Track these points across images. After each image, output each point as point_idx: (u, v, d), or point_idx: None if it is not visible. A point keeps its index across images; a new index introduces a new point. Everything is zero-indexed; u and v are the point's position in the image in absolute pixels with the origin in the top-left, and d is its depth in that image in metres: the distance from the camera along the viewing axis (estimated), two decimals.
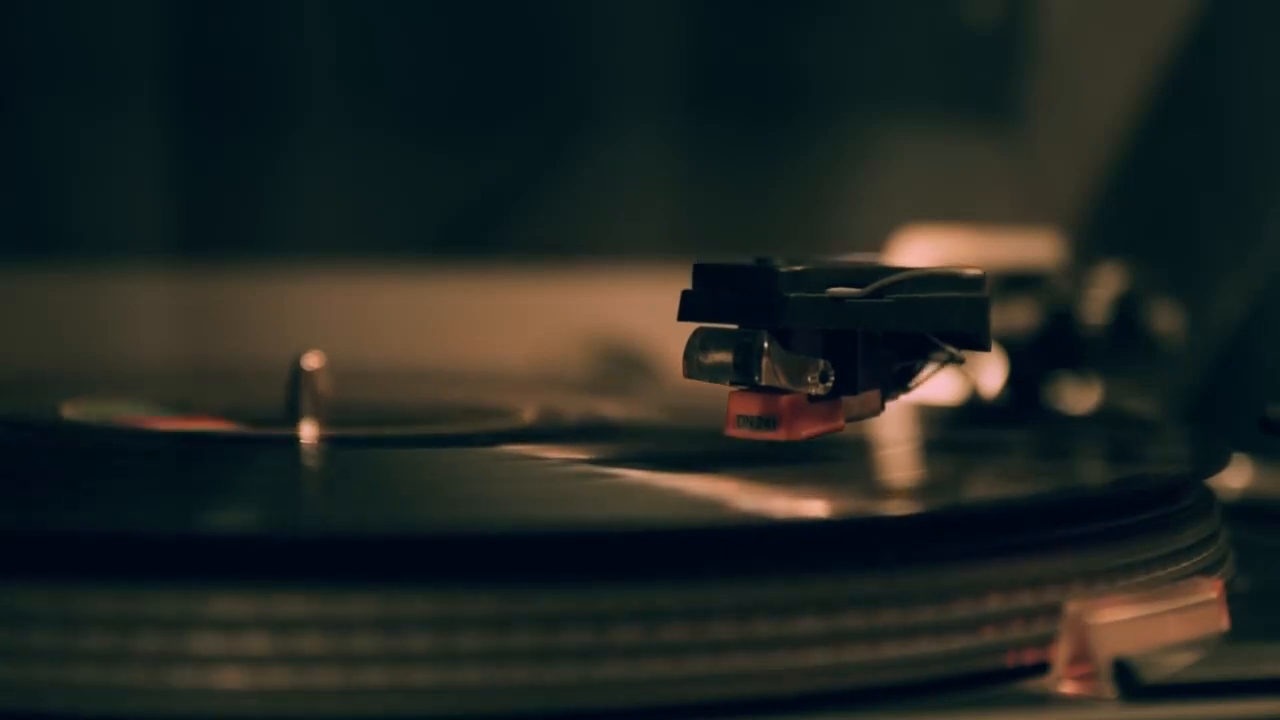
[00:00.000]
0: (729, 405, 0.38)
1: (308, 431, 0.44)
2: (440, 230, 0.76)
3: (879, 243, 0.67)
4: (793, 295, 0.37)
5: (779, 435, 0.37)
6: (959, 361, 0.40)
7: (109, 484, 0.39)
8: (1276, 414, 0.41)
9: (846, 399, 0.39)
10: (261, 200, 0.73)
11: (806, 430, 0.38)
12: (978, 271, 0.39)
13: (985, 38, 0.78)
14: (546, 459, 0.41)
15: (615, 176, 0.76)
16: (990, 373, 0.57)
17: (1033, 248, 0.62)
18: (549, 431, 0.46)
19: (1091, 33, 0.77)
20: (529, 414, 0.49)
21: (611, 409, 0.51)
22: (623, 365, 0.71)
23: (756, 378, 0.37)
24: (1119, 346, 0.59)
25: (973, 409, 0.55)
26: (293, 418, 0.45)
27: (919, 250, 0.63)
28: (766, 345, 0.37)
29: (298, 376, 0.45)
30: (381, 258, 0.74)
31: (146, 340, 0.71)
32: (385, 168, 0.74)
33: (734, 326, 0.37)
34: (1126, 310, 0.59)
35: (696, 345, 0.38)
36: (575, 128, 0.76)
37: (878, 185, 0.77)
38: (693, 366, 0.38)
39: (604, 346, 0.72)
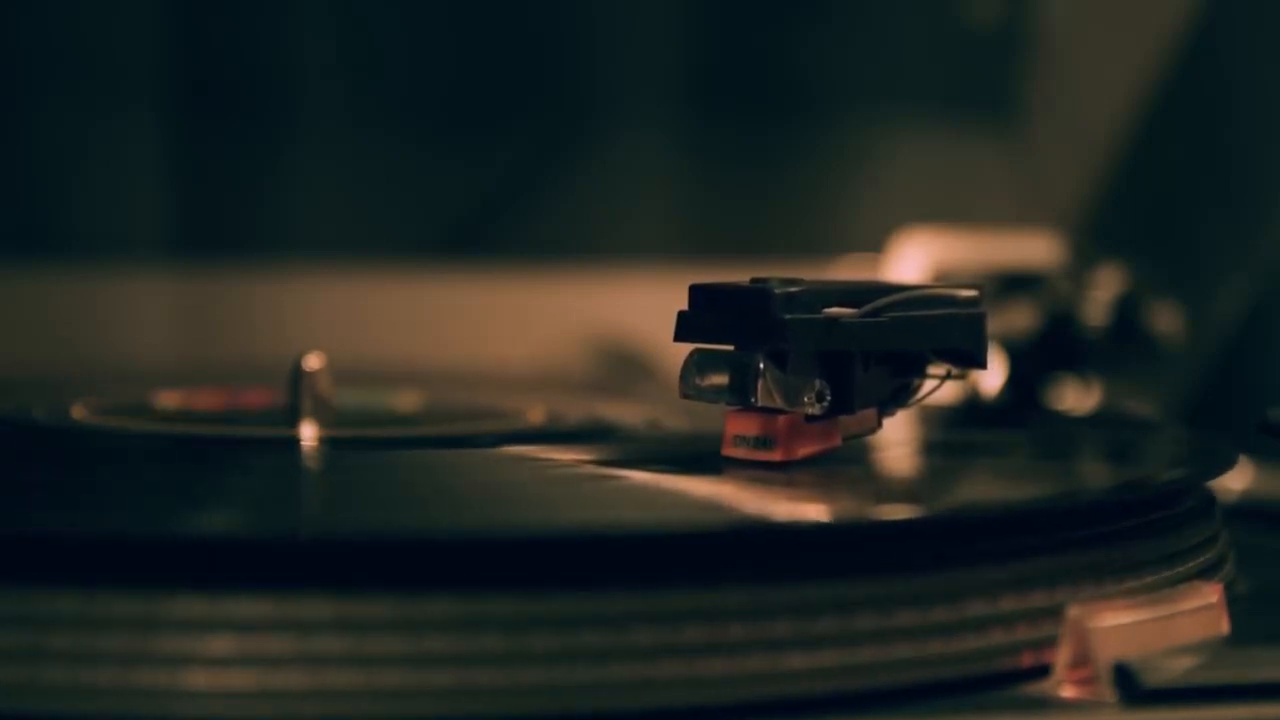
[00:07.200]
0: (726, 426, 0.38)
1: (308, 433, 0.44)
2: (441, 230, 0.76)
3: (879, 243, 0.67)
4: (788, 317, 0.37)
5: (776, 456, 0.38)
6: (957, 379, 0.40)
7: (108, 485, 0.39)
8: (1276, 416, 0.41)
9: (843, 418, 0.39)
10: (261, 200, 0.73)
11: (804, 450, 0.38)
12: (973, 290, 0.39)
13: (986, 38, 0.78)
14: (548, 460, 0.41)
15: (615, 176, 0.76)
16: (990, 374, 0.57)
17: (1033, 248, 0.62)
18: (550, 433, 0.46)
19: (1092, 33, 0.77)
20: (530, 415, 0.49)
21: (612, 410, 0.51)
22: (623, 365, 0.71)
23: (753, 399, 0.37)
24: (1119, 347, 0.59)
25: (973, 410, 0.55)
26: (293, 418, 0.45)
27: (919, 251, 0.63)
28: (762, 367, 0.37)
29: (298, 377, 0.45)
30: (382, 258, 0.74)
31: (146, 340, 0.71)
32: (385, 168, 0.74)
33: (730, 348, 0.38)
34: (1126, 311, 0.59)
35: (693, 367, 0.38)
36: (575, 128, 0.76)
37: (878, 185, 0.77)
38: (689, 388, 0.38)
39: (604, 346, 0.72)
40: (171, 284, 0.72)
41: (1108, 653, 0.32)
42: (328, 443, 0.44)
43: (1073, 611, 0.33)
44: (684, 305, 0.38)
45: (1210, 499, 0.41)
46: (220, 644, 0.29)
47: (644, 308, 0.69)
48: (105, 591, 0.30)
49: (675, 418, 0.49)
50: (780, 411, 0.38)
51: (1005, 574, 0.33)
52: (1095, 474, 0.44)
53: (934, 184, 0.78)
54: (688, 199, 0.77)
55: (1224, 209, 0.70)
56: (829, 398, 0.38)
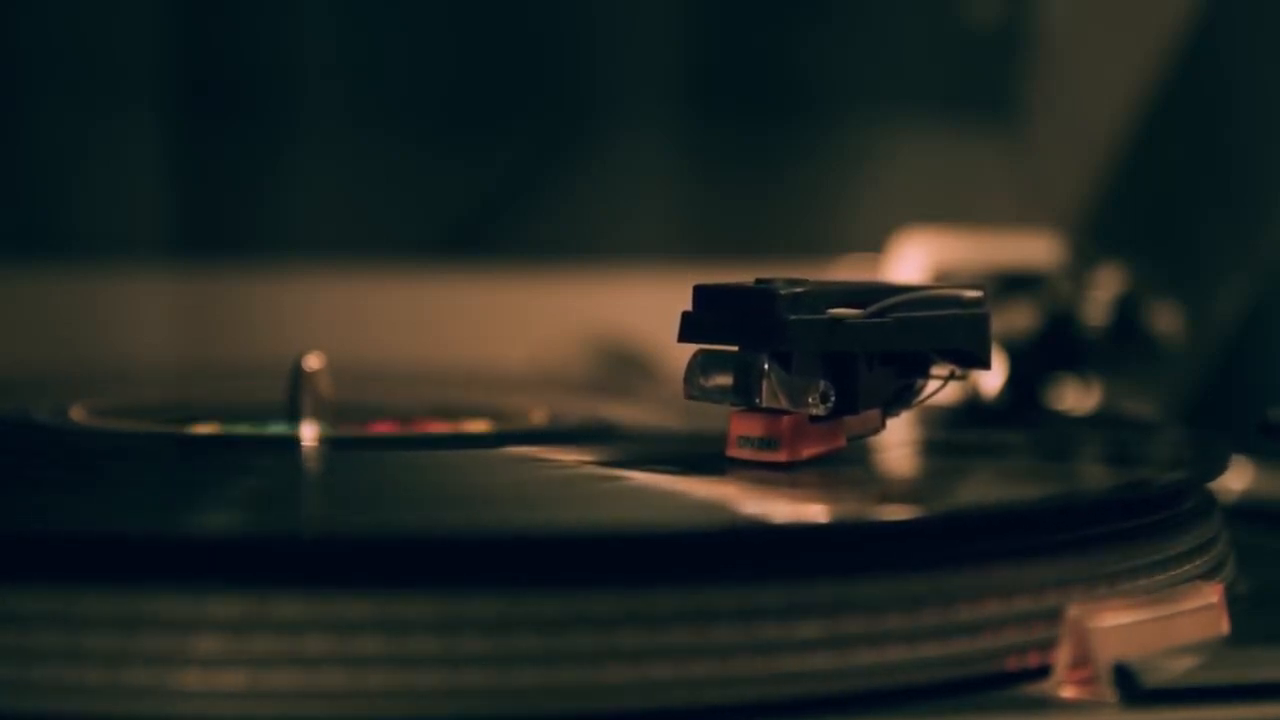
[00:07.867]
0: (730, 427, 0.38)
1: (308, 433, 0.44)
2: (441, 230, 0.76)
3: (879, 243, 0.67)
4: (793, 318, 0.37)
5: (780, 456, 0.38)
6: (960, 379, 0.40)
7: (107, 485, 0.39)
8: (1276, 416, 0.41)
9: (847, 418, 0.39)
10: (261, 200, 0.73)
11: (808, 451, 0.38)
12: (977, 291, 0.39)
13: (986, 37, 0.78)
14: (548, 461, 0.41)
15: (615, 176, 0.76)
16: (991, 374, 0.57)
17: (1033, 248, 0.62)
18: (550, 433, 0.46)
19: (1092, 33, 0.77)
20: (529, 416, 0.49)
21: (612, 410, 0.51)
22: (623, 365, 0.71)
23: (757, 400, 0.37)
24: (1119, 347, 0.59)
25: (973, 410, 0.55)
26: (293, 419, 0.45)
27: (919, 251, 0.63)
28: (767, 367, 0.37)
29: (298, 377, 0.45)
30: (382, 258, 0.74)
31: (146, 340, 0.71)
32: (385, 168, 0.74)
33: (734, 348, 0.38)
34: (1126, 311, 0.59)
35: (697, 367, 0.38)
36: (575, 128, 0.76)
37: (878, 186, 0.77)
38: (693, 388, 0.38)
39: (604, 346, 0.72)
40: (171, 284, 0.72)
41: (1108, 653, 0.32)
42: (327, 443, 0.44)
43: (1073, 612, 0.33)
44: (684, 305, 0.38)
45: (1210, 499, 0.41)
46: (216, 644, 0.29)
47: (644, 308, 0.69)
48: (97, 591, 0.30)
49: (677, 418, 0.49)
50: (785, 412, 0.38)
51: (1005, 574, 0.33)
52: (1095, 474, 0.44)
53: (934, 184, 0.78)
54: (688, 199, 0.77)
55: (1224, 209, 0.70)
56: (833, 398, 0.38)
